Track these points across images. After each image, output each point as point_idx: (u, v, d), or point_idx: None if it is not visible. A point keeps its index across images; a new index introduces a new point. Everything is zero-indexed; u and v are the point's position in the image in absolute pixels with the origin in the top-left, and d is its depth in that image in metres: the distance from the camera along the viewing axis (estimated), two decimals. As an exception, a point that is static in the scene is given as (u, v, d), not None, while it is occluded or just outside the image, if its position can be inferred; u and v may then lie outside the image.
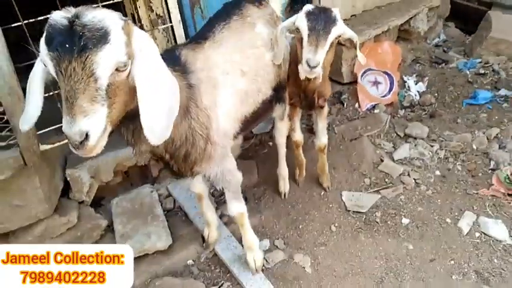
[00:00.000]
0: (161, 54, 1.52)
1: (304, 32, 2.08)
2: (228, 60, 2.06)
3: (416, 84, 4.19)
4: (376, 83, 4.11)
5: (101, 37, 1.24)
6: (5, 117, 2.13)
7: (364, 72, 4.16)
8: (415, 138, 3.47)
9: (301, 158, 3.03)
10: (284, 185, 3.04)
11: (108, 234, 2.78)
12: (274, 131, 2.84)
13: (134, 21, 2.44)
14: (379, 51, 4.23)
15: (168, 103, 1.47)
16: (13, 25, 2.02)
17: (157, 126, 1.43)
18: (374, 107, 3.94)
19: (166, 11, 2.38)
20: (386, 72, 4.17)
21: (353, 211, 2.87)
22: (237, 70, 2.09)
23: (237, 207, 2.30)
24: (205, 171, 2.03)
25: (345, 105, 3.99)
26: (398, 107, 3.96)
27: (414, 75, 4.33)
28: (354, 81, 4.12)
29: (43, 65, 1.34)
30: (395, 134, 3.57)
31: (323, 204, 2.95)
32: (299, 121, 2.84)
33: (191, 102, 1.78)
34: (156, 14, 2.46)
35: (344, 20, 4.19)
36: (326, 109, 2.71)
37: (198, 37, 2.10)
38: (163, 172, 3.22)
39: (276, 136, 2.84)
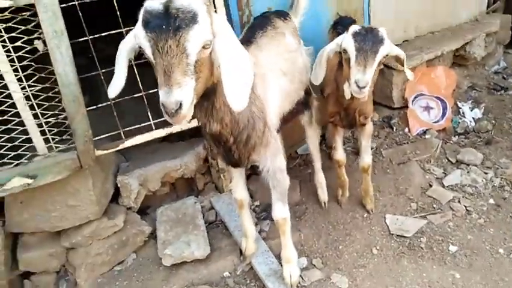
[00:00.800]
0: None
1: (352, 53, 2.12)
2: (271, 61, 2.24)
3: (471, 110, 4.03)
4: (428, 108, 4.00)
5: (192, 18, 1.42)
6: (67, 122, 2.33)
7: (415, 97, 4.07)
8: (468, 164, 3.31)
9: (344, 178, 2.99)
10: (323, 194, 3.09)
11: (151, 241, 2.89)
12: (307, 139, 2.96)
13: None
14: (432, 76, 4.14)
15: (245, 74, 1.64)
16: (80, 39, 2.24)
17: (238, 94, 1.60)
18: (425, 132, 3.82)
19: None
20: (438, 98, 4.05)
21: (397, 235, 2.77)
22: (278, 70, 2.27)
23: (281, 211, 2.32)
24: (261, 160, 2.14)
25: (394, 129, 3.91)
26: (451, 133, 3.81)
27: (470, 101, 4.17)
28: (405, 106, 4.05)
29: (133, 46, 1.64)
30: (446, 160, 3.43)
31: (365, 227, 2.88)
32: (341, 140, 2.83)
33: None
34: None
35: (396, 44, 4.25)
36: (369, 127, 2.69)
37: (243, 42, 2.24)
38: (207, 186, 3.32)
39: (308, 145, 2.99)
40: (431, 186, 3.15)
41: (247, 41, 2.25)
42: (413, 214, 2.93)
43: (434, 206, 2.97)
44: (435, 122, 3.92)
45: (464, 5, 4.62)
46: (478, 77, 4.57)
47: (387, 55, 2.17)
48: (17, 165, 2.31)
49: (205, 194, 3.26)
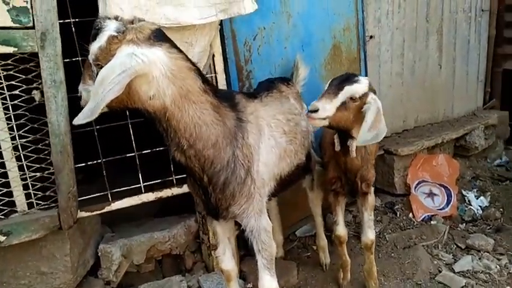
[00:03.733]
0: (219, 91, 1.86)
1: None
2: (273, 118, 2.20)
3: (477, 198, 3.89)
4: (432, 195, 3.87)
5: None
6: (52, 177, 2.23)
7: (418, 183, 3.97)
8: (479, 250, 3.07)
9: (346, 258, 2.75)
10: (324, 256, 3.05)
11: (129, 322, 2.57)
12: (309, 201, 2.92)
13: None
14: (434, 163, 4.09)
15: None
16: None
17: None
18: (430, 218, 3.64)
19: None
20: (442, 185, 3.95)
21: (406, 324, 2.45)
22: (279, 127, 2.21)
23: (270, 282, 2.07)
24: (243, 216, 1.97)
25: (398, 214, 3.75)
26: (458, 221, 3.63)
27: (475, 189, 4.06)
28: (408, 194, 3.92)
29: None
30: (455, 246, 3.20)
31: (369, 315, 2.56)
32: (342, 213, 2.66)
33: (239, 132, 1.88)
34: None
35: (395, 133, 4.28)
36: (371, 198, 2.54)
37: (252, 94, 2.32)
38: (196, 265, 3.07)
39: (310, 206, 2.94)
40: (440, 271, 2.88)
41: (252, 95, 2.25)
42: (422, 302, 2.63)
43: (446, 293, 2.68)
44: (440, 210, 3.76)
45: (461, 101, 4.78)
46: (481, 168, 4.51)
47: (355, 98, 2.08)
48: (-10, 220, 2.15)
49: (194, 273, 2.99)
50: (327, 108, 2.02)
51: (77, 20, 2.19)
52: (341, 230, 2.66)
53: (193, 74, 1.69)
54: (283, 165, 2.23)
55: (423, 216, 3.64)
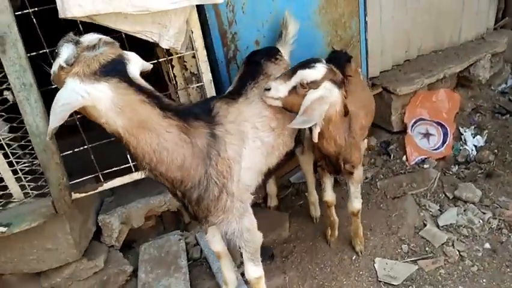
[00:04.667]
0: (194, 104, 1.90)
1: None
2: (259, 116, 2.14)
3: (473, 137, 3.87)
4: (427, 135, 3.86)
5: None
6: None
7: (415, 122, 3.93)
8: (465, 202, 3.17)
9: (334, 218, 2.89)
10: (315, 210, 3.19)
11: (133, 279, 2.83)
12: (300, 163, 3.02)
13: (169, 79, 2.53)
14: (433, 99, 3.99)
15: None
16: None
17: None
18: (423, 160, 3.68)
19: (199, 70, 2.43)
20: (439, 123, 3.90)
21: (385, 282, 2.66)
22: (266, 126, 2.16)
23: (254, 271, 2.23)
24: (222, 224, 2.04)
25: (391, 156, 3.79)
26: (451, 162, 3.67)
27: (473, 126, 4.01)
28: (404, 131, 3.91)
29: None
30: (444, 195, 3.29)
31: (353, 271, 2.77)
32: (330, 181, 2.72)
33: (213, 150, 1.84)
34: (190, 72, 2.52)
35: (396, 65, 4.09)
36: (358, 174, 2.56)
37: (233, 92, 2.22)
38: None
39: (301, 165, 3.03)
40: (425, 225, 3.02)
41: (236, 93, 2.17)
42: (403, 258, 2.82)
43: (427, 249, 2.85)
44: (434, 150, 3.78)
45: (470, 22, 4.42)
46: (483, 98, 4.39)
47: (304, 84, 2.01)
48: (-9, 212, 2.26)
49: (192, 227, 3.19)
50: (280, 89, 2.01)
51: (36, 9, 1.99)
52: (329, 196, 2.75)
53: (146, 105, 1.61)
54: (271, 159, 2.23)
55: (416, 159, 3.68)
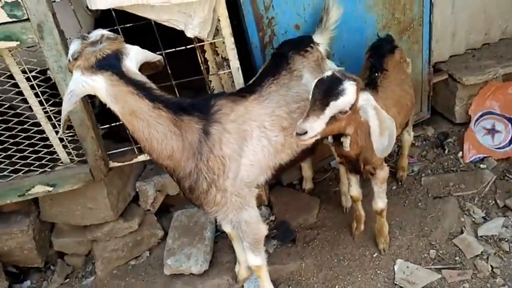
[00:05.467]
0: (195, 99, 1.97)
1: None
2: (270, 115, 2.12)
3: (549, 138, 3.40)
4: (493, 131, 3.47)
5: None
6: (82, 140, 2.54)
7: (481, 116, 3.55)
8: (516, 213, 2.87)
9: (360, 213, 2.82)
10: (346, 200, 3.10)
11: (164, 242, 3.09)
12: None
13: (201, 63, 2.59)
14: (509, 91, 3.53)
15: None
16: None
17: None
18: (481, 159, 3.36)
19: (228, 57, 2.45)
20: (510, 119, 3.47)
21: (400, 286, 2.58)
22: (276, 125, 2.14)
23: (253, 259, 2.32)
24: (217, 215, 2.14)
25: (446, 151, 3.51)
26: (514, 166, 3.30)
27: (552, 126, 3.50)
28: (467, 123, 3.57)
29: None
30: (493, 202, 3.01)
31: (371, 268, 2.72)
32: (355, 176, 2.63)
33: (205, 146, 1.91)
34: (222, 57, 2.54)
35: (473, 49, 3.67)
36: (381, 174, 2.44)
37: (247, 89, 2.23)
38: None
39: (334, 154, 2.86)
40: (462, 232, 2.82)
41: (249, 90, 2.17)
42: (428, 264, 2.69)
43: (456, 258, 2.68)
44: (498, 148, 3.41)
45: None
46: None
47: (344, 111, 1.86)
48: (41, 173, 2.61)
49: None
50: (315, 127, 1.83)
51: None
52: (354, 191, 2.68)
53: (135, 96, 1.75)
54: (281, 157, 2.21)
55: (473, 157, 3.37)
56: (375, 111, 1.89)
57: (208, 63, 2.58)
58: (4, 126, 2.51)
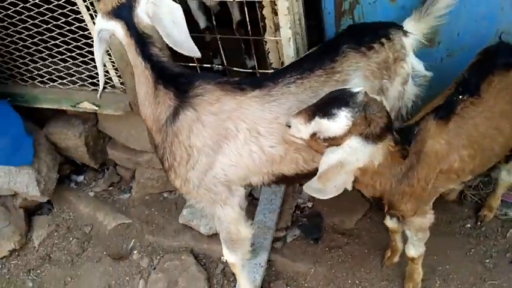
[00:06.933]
0: (182, 71, 1.80)
1: None
2: (270, 121, 1.76)
3: None
4: None
5: None
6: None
7: None
8: None
9: (396, 245, 2.34)
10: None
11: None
12: None
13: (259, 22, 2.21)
14: None
15: None
16: None
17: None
18: None
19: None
20: None
21: None
22: (275, 134, 1.77)
23: (226, 254, 2.15)
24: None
25: None
26: None
27: None
28: None
29: None
30: None
31: (382, 310, 2.31)
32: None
33: (170, 128, 1.76)
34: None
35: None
36: (417, 222, 1.88)
37: (254, 81, 1.90)
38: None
39: None
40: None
41: (262, 81, 1.82)
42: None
43: None
44: None
45: None
46: None
47: (323, 137, 1.46)
48: (92, 90, 2.68)
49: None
50: (301, 130, 1.51)
51: None
52: (389, 222, 2.19)
53: (134, 52, 1.72)
54: (282, 167, 1.86)
55: None
56: (335, 164, 1.45)
57: (266, 21, 2.18)
58: (71, 36, 2.57)
